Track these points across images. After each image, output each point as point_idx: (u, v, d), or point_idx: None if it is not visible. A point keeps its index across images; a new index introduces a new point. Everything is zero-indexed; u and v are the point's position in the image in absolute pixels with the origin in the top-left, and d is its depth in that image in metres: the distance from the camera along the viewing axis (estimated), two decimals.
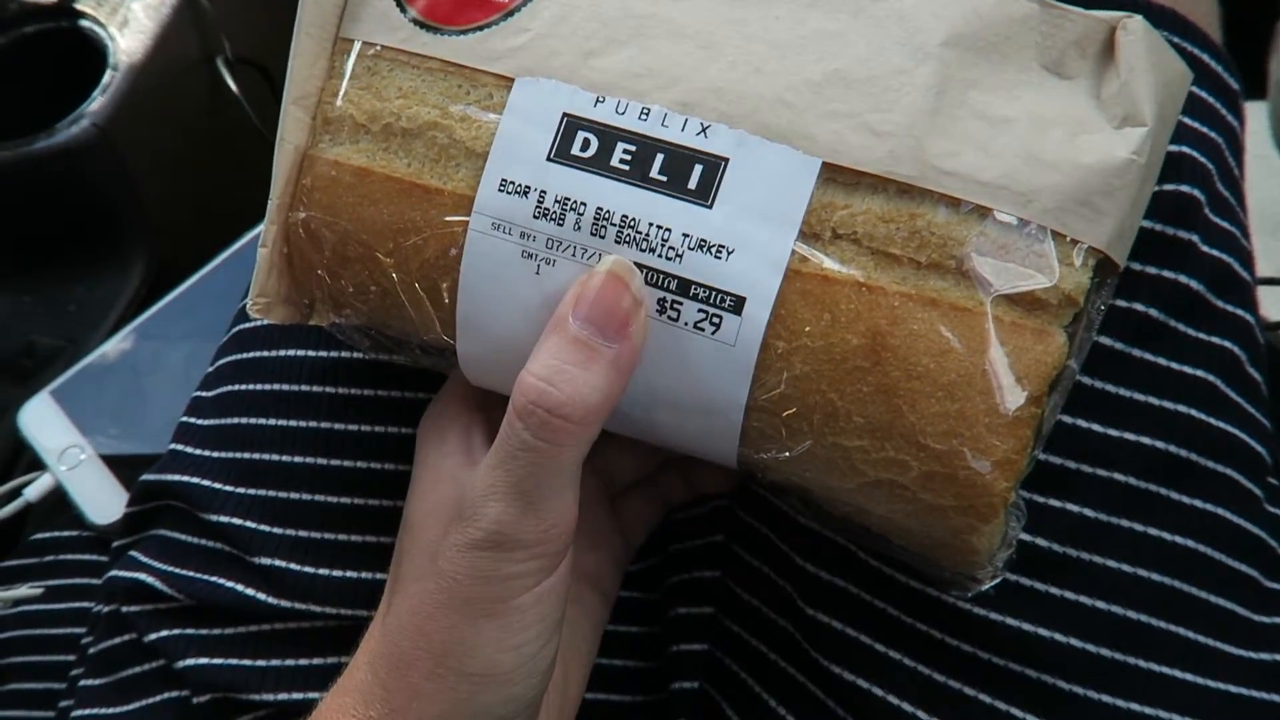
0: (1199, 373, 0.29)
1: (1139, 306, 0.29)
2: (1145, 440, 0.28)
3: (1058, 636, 0.27)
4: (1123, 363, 0.28)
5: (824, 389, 0.24)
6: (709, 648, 0.33)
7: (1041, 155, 0.23)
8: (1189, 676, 0.27)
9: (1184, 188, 0.29)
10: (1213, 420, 0.29)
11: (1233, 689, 0.28)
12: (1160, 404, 0.28)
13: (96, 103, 0.49)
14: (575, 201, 0.25)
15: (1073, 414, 0.28)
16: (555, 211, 0.25)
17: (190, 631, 0.33)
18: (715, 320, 0.24)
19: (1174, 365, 0.28)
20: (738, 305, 0.24)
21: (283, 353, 0.34)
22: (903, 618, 0.29)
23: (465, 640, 0.25)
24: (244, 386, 0.35)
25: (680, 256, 0.24)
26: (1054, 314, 0.23)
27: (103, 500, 0.47)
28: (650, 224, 0.24)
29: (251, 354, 0.35)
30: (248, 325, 0.36)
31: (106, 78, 0.49)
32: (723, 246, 0.24)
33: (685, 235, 0.24)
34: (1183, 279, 0.29)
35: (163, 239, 0.54)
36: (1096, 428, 0.28)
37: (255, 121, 0.54)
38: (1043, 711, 0.27)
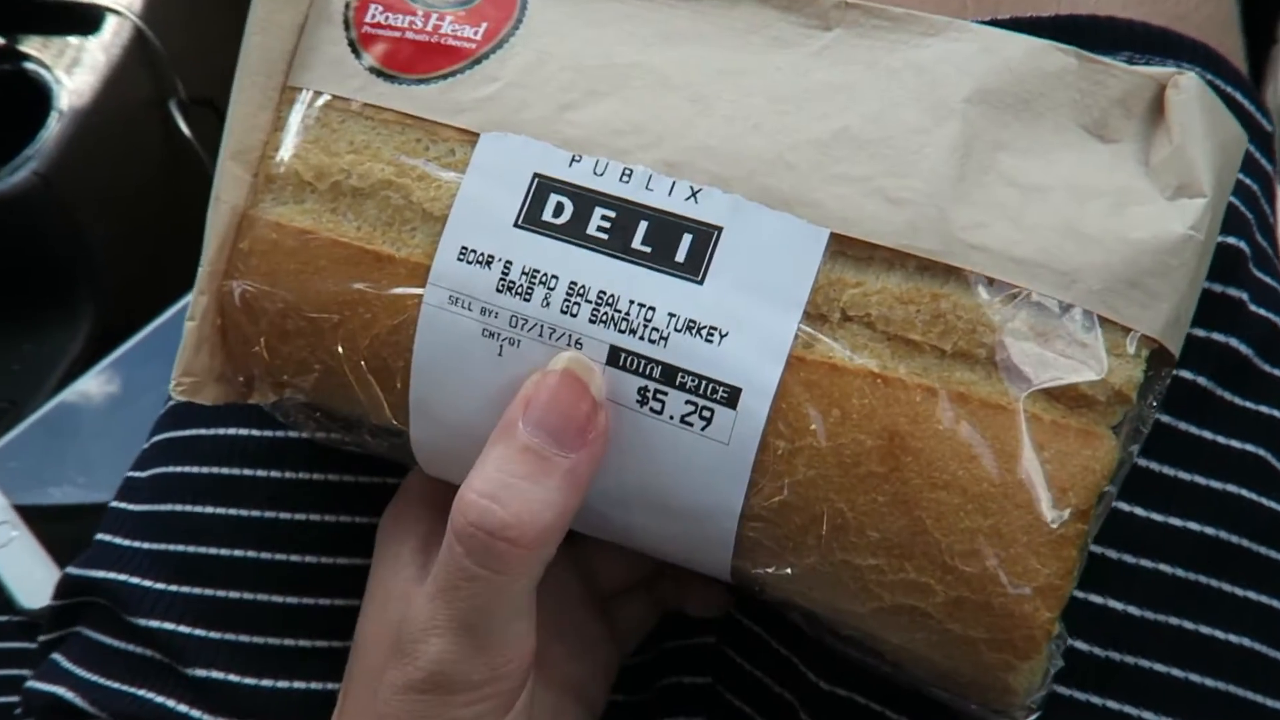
0: (1248, 447, 0.26)
1: (1185, 374, 0.26)
2: (1193, 526, 0.26)
3: None
4: (1167, 438, 0.26)
5: (832, 497, 0.20)
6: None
7: (1084, 229, 0.20)
8: None
9: (1230, 240, 0.26)
10: (1265, 500, 0.26)
11: None
12: (1208, 484, 0.26)
13: (40, 149, 0.46)
14: (545, 274, 0.22)
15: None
16: (522, 285, 0.22)
17: None
18: (705, 414, 0.21)
19: (1221, 440, 0.26)
20: (732, 397, 0.20)
21: (221, 431, 0.31)
22: None
23: None
24: (179, 469, 0.32)
25: (665, 339, 0.21)
26: (1101, 413, 0.20)
27: (35, 581, 0.43)
28: (631, 301, 0.21)
29: (187, 431, 0.32)
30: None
31: (51, 122, 0.46)
32: (714, 329, 0.21)
33: (671, 315, 0.21)
34: (1233, 342, 0.26)
35: (114, 289, 0.50)
36: (1139, 512, 0.26)
37: (209, 166, 0.51)
38: None
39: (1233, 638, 0.25)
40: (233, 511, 0.30)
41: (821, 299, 0.21)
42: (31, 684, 0.32)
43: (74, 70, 0.47)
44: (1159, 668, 0.25)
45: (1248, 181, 0.28)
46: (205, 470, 0.31)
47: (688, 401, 0.21)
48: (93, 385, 0.47)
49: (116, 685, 0.30)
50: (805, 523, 0.20)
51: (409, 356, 0.23)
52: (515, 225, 0.22)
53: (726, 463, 0.21)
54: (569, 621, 0.27)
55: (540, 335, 0.22)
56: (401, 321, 0.23)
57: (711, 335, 0.21)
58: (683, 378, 0.21)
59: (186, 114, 0.51)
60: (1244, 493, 0.26)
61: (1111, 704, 0.25)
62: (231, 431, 0.31)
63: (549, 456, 0.20)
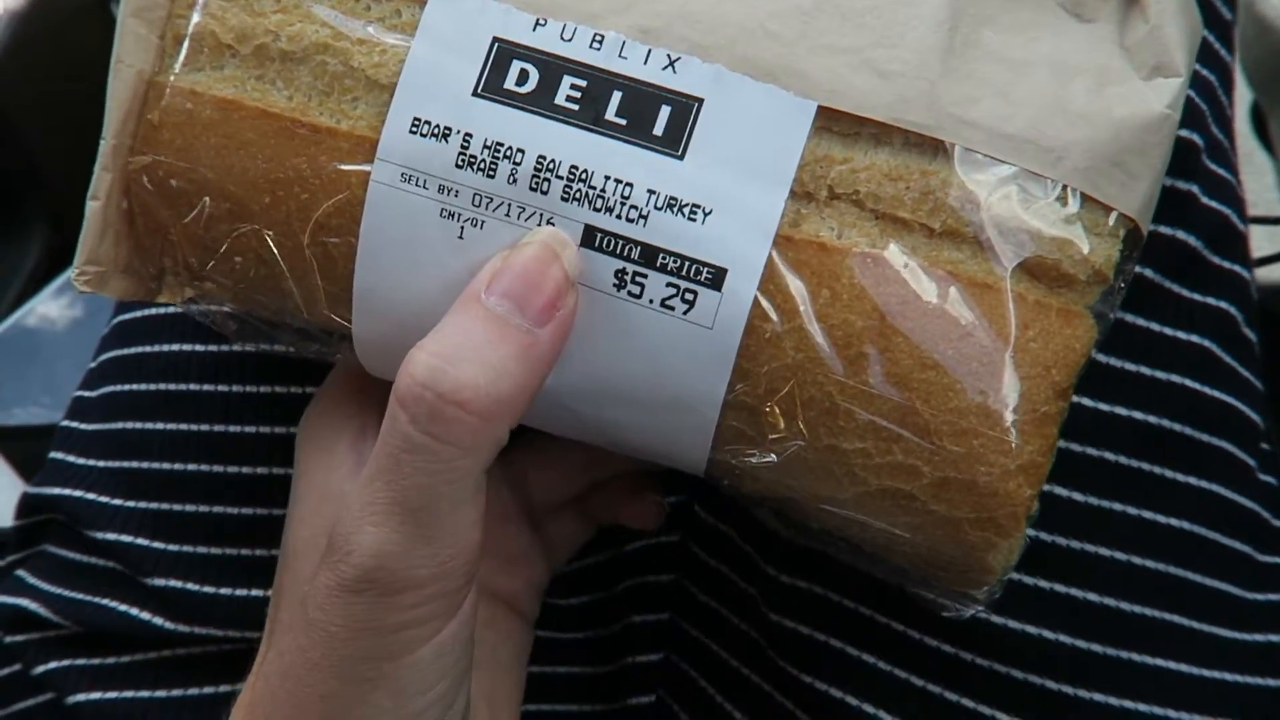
0: (1194, 338, 0.27)
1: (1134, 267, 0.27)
2: (1138, 415, 0.26)
3: (1046, 634, 0.25)
4: (1114, 329, 0.26)
5: (821, 380, 0.20)
6: (666, 656, 0.30)
7: (1069, 106, 0.20)
8: (1184, 668, 0.26)
9: (1183, 133, 0.27)
10: (1208, 390, 0.27)
11: (1228, 677, 0.26)
12: (1154, 374, 0.26)
13: None
14: (510, 148, 0.20)
15: None
16: (484, 160, 0.20)
17: (81, 662, 0.30)
18: (688, 297, 0.20)
19: (1168, 331, 0.27)
20: (716, 278, 0.19)
21: (166, 347, 0.30)
22: (876, 618, 0.26)
23: (349, 712, 0.20)
24: (127, 386, 0.31)
25: (645, 218, 0.20)
26: (1081, 292, 0.20)
27: (4, 501, 0.40)
28: (606, 177, 0.20)
29: (133, 349, 0.31)
30: (128, 316, 0.31)
31: None
32: (698, 206, 0.20)
33: (651, 192, 0.20)
34: (1181, 235, 0.27)
35: (65, 203, 0.45)
36: (1087, 402, 0.26)
37: None
38: (1031, 715, 0.25)
39: (1173, 521, 0.26)
40: (182, 426, 0.30)
41: (808, 176, 0.20)
42: None
43: None
44: (1102, 551, 0.26)
45: (1205, 73, 0.28)
46: (153, 387, 0.30)
47: (669, 284, 0.20)
48: (54, 308, 0.45)
49: (80, 596, 0.30)
50: (791, 408, 0.20)
51: (354, 241, 0.21)
52: (474, 94, 0.20)
53: (710, 348, 0.20)
54: (497, 534, 0.26)
55: (508, 215, 0.20)
56: (345, 202, 0.21)
57: (695, 213, 0.20)
58: (664, 258, 0.20)
59: None
60: (1188, 382, 0.27)
61: (1059, 587, 0.26)
62: (176, 347, 0.30)
63: (512, 325, 0.19)
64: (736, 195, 0.20)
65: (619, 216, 0.20)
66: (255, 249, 0.22)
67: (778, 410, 0.20)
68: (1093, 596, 0.26)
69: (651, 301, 0.20)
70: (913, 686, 0.26)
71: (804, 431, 0.20)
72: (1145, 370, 0.26)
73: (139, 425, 0.30)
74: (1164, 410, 0.26)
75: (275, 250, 0.22)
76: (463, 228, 0.20)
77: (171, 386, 0.30)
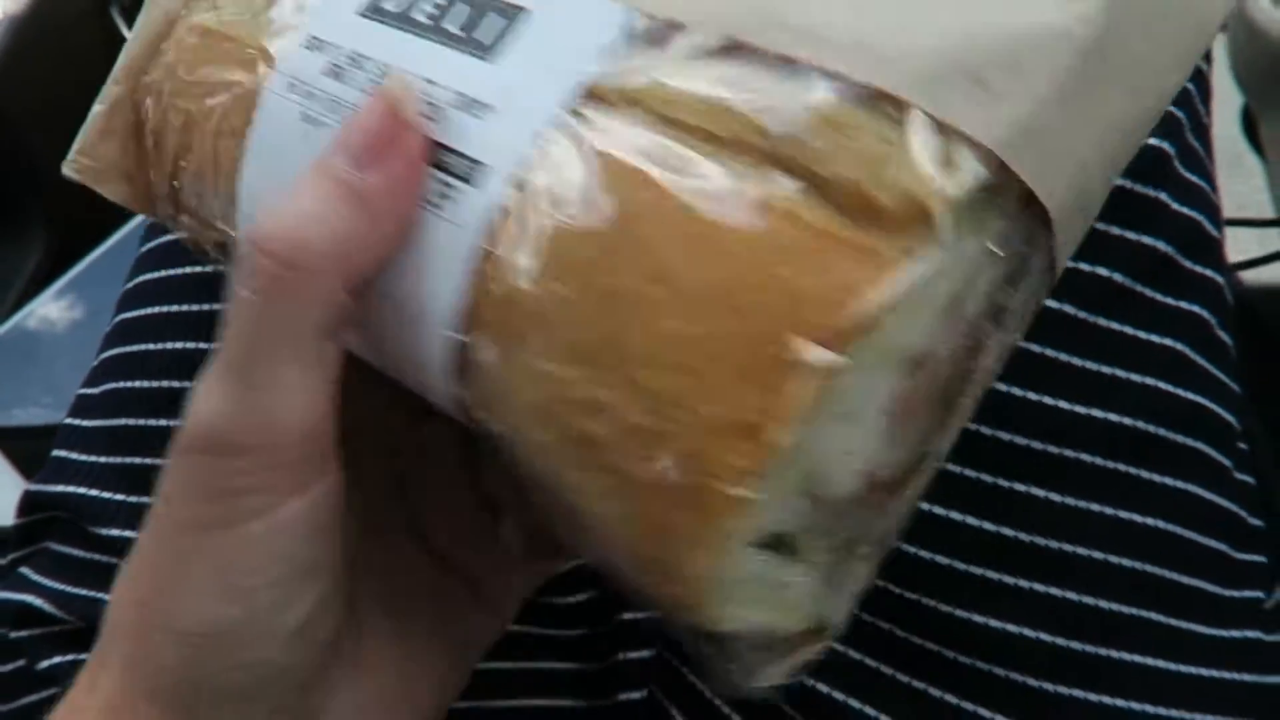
0: (1167, 341, 0.27)
1: (1103, 271, 0.27)
2: (1112, 416, 0.27)
3: (1026, 631, 0.26)
4: (1086, 333, 0.27)
5: (549, 288, 0.16)
6: (658, 651, 0.29)
7: (930, 15, 0.16)
8: (1161, 663, 0.26)
9: (1153, 141, 0.27)
10: (1181, 391, 0.27)
11: (1205, 672, 0.27)
12: (1127, 376, 0.27)
13: None
14: (362, 57, 0.20)
15: (1035, 390, 0.26)
16: (342, 68, 0.21)
17: (85, 657, 0.30)
18: (448, 193, 0.18)
19: (1140, 334, 0.27)
20: (474, 174, 0.17)
21: (169, 345, 0.31)
22: (861, 615, 0.26)
23: (172, 583, 0.19)
24: (130, 384, 0.32)
25: (438, 113, 0.19)
26: (895, 231, 0.15)
27: (6, 500, 0.44)
28: (424, 79, 0.19)
29: (136, 347, 0.32)
30: (130, 314, 0.33)
31: None
32: (484, 104, 0.18)
33: (450, 90, 0.19)
34: (1149, 241, 0.27)
35: (65, 206, 0.48)
36: (1063, 404, 0.26)
37: None
38: (1011, 710, 0.26)
39: (1149, 520, 0.26)
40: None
41: (607, 83, 0.17)
42: (1, 595, 0.32)
43: None
44: (1080, 551, 0.26)
45: (1186, 84, 0.28)
46: (156, 384, 0.31)
47: (439, 180, 0.18)
48: (54, 309, 0.47)
49: (84, 592, 0.30)
50: (515, 321, 0.16)
51: (244, 146, 0.22)
52: (358, 14, 0.21)
53: (455, 247, 0.17)
54: (393, 577, 0.24)
55: (342, 117, 0.20)
56: (249, 109, 0.22)
57: (480, 111, 0.18)
58: (441, 154, 0.18)
59: (130, 19, 0.45)
60: (1161, 384, 0.27)
61: (1038, 586, 0.26)
62: (179, 345, 0.31)
63: (337, 173, 0.18)
64: (524, 96, 0.18)
65: (422, 115, 0.19)
66: (191, 160, 0.24)
67: (504, 325, 0.17)
68: (1071, 595, 0.26)
69: (426, 199, 0.18)
70: (897, 682, 0.26)
71: (522, 351, 0.16)
72: (1119, 373, 0.27)
73: (142, 421, 0.31)
74: (1138, 412, 0.27)
75: (204, 156, 0.23)
76: (317, 131, 0.21)
77: (174, 384, 0.30)
